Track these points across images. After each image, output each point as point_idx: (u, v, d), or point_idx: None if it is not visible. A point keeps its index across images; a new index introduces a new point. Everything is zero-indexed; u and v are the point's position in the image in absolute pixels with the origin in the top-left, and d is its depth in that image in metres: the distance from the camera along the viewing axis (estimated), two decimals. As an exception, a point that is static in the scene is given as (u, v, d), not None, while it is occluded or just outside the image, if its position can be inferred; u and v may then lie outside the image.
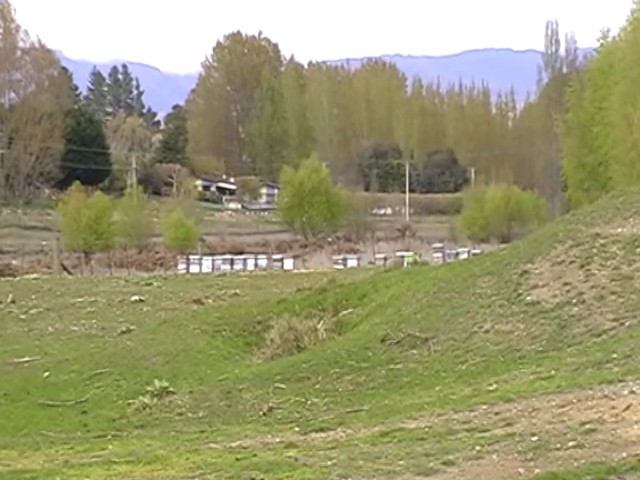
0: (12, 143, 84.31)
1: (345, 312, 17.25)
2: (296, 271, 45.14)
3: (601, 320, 12.09)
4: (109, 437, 10.33)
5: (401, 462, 6.31)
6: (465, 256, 41.76)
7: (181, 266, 50.75)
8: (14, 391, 14.71)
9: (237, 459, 6.99)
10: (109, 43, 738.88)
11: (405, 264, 30.99)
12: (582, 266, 13.76)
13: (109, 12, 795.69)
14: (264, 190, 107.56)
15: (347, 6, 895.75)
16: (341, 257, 53.30)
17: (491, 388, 9.42)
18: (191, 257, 51.94)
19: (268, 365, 14.60)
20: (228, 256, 52.87)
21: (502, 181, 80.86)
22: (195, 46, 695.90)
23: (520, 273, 14.34)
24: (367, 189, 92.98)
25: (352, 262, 50.51)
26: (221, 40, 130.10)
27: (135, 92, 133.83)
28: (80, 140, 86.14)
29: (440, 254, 50.32)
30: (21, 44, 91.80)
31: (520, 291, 13.78)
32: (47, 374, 15.75)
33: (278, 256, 53.66)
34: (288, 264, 50.67)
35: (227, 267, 49.56)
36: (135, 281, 38.24)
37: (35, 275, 43.95)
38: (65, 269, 49.42)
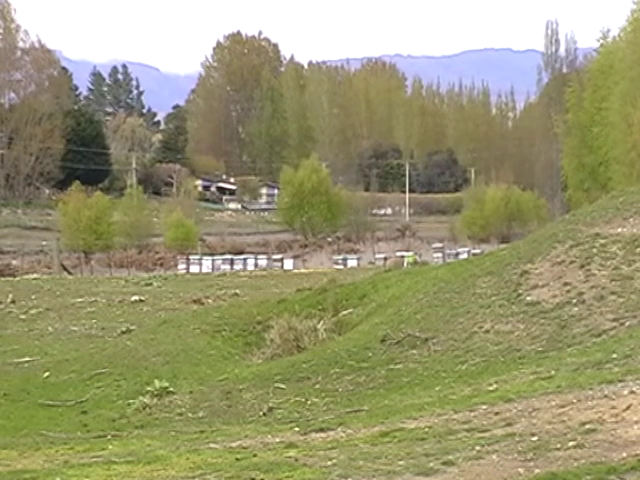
0: (12, 143, 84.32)
1: (345, 312, 17.25)
2: (296, 271, 45.14)
3: (601, 320, 12.09)
4: (109, 437, 10.33)
5: (401, 462, 6.31)
6: (465, 256, 41.75)
7: (181, 266, 50.75)
8: (14, 391, 14.71)
9: (237, 459, 6.99)
10: (109, 43, 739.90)
11: (405, 264, 31.05)
12: (582, 266, 13.76)
13: (109, 12, 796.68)
14: (264, 190, 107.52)
15: (347, 6, 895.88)
16: (341, 257, 53.32)
17: (491, 388, 9.42)
18: (191, 257, 51.94)
19: (268, 365, 14.60)
20: (228, 256, 52.86)
21: (502, 181, 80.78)
22: (195, 46, 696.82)
23: (520, 273, 14.33)
24: (367, 189, 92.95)
25: (352, 262, 50.53)
26: (221, 40, 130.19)
27: (135, 92, 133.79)
28: (80, 140, 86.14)
29: (440, 254, 50.32)
30: (21, 44, 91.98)
31: (520, 291, 13.78)
32: (47, 374, 15.75)
33: (278, 256, 53.67)
34: (288, 264, 50.68)
35: (227, 267, 49.56)
36: (135, 281, 38.26)
37: (35, 275, 43.97)
38: (65, 269, 49.43)
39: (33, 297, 30.47)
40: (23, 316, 25.85)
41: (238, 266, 49.99)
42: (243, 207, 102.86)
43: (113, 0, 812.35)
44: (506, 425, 7.19)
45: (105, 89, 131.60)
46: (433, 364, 12.40)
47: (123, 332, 20.07)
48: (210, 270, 48.35)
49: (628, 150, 52.32)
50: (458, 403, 8.69)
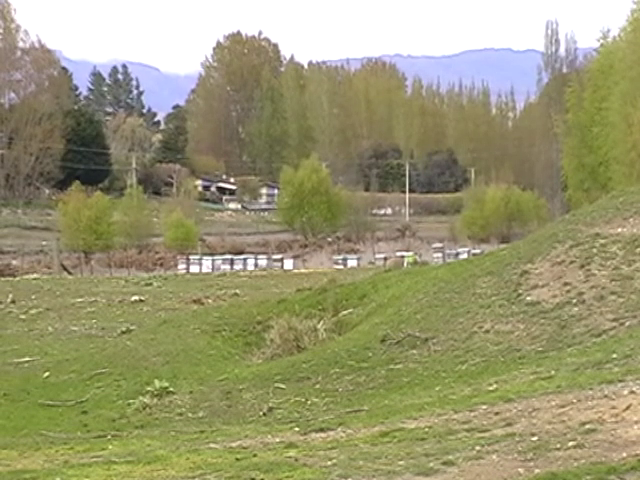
0: (12, 143, 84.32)
1: (345, 312, 17.24)
2: (296, 271, 45.14)
3: (601, 320, 12.08)
4: (109, 437, 10.33)
5: (401, 462, 6.31)
6: (465, 256, 41.76)
7: (181, 266, 50.75)
8: (14, 391, 14.71)
9: (237, 459, 6.99)
10: (109, 43, 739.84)
11: (405, 264, 31.05)
12: (582, 266, 13.75)
13: (109, 12, 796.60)
14: (264, 190, 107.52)
15: (347, 6, 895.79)
16: (341, 257, 53.32)
17: (491, 388, 9.41)
18: (191, 257, 51.94)
19: (268, 365, 14.59)
20: (228, 256, 52.86)
21: (502, 181, 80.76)
22: (195, 46, 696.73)
23: (520, 273, 14.33)
24: (367, 189, 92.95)
25: (352, 262, 50.53)
26: (221, 40, 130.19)
27: (135, 92, 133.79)
28: (80, 140, 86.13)
29: (440, 254, 50.32)
30: (21, 44, 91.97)
31: (520, 291, 13.77)
32: (47, 374, 15.75)
33: (278, 256, 53.67)
34: (288, 264, 50.68)
35: (227, 267, 49.56)
36: (135, 281, 38.26)
37: (35, 275, 43.97)
38: (65, 269, 49.43)
39: (33, 297, 30.46)
40: (23, 316, 25.85)
41: (238, 266, 49.99)
42: (243, 207, 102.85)
43: (113, 0, 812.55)
44: (506, 425, 7.19)
45: (105, 89, 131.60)
46: (433, 364, 12.40)
47: (123, 332, 20.07)
48: (210, 270, 48.35)
49: (628, 150, 52.33)
50: (458, 403, 8.69)
